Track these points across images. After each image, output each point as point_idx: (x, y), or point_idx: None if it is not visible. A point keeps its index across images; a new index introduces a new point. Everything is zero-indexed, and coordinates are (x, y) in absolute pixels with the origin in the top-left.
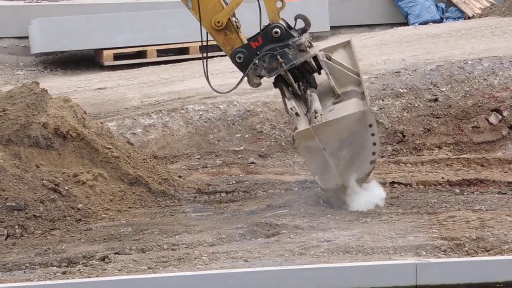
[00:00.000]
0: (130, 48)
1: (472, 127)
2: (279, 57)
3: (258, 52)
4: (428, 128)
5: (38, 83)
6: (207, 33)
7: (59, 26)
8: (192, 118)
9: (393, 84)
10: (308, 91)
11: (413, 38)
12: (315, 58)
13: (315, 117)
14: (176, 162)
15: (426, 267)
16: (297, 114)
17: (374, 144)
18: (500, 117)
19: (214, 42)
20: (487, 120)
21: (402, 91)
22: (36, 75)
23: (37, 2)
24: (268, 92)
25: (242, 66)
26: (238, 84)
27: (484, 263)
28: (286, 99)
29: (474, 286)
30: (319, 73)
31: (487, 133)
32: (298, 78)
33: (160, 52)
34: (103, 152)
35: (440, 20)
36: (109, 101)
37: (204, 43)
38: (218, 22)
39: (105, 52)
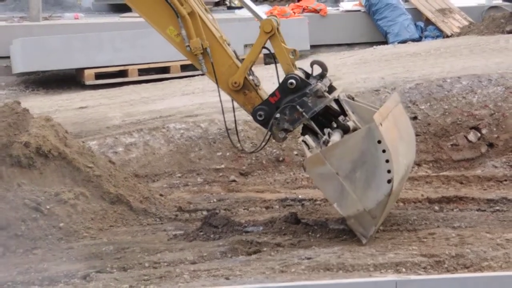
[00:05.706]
0: (112, 67)
1: (451, 144)
2: (299, 107)
3: (278, 106)
4: None
5: (19, 103)
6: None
7: (40, 46)
8: (173, 137)
9: (372, 102)
10: (332, 130)
11: (392, 57)
12: (337, 101)
13: (323, 142)
14: (157, 180)
15: (406, 284)
16: (306, 144)
17: (387, 161)
18: (479, 134)
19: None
20: (466, 138)
21: None
22: (17, 94)
23: (18, 22)
24: None
25: (265, 123)
26: (264, 142)
27: (464, 280)
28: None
29: None
30: (345, 115)
31: (466, 150)
32: (325, 125)
33: (142, 71)
34: (85, 171)
35: (419, 39)
36: (90, 120)
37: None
38: (235, 83)
39: (86, 71)
